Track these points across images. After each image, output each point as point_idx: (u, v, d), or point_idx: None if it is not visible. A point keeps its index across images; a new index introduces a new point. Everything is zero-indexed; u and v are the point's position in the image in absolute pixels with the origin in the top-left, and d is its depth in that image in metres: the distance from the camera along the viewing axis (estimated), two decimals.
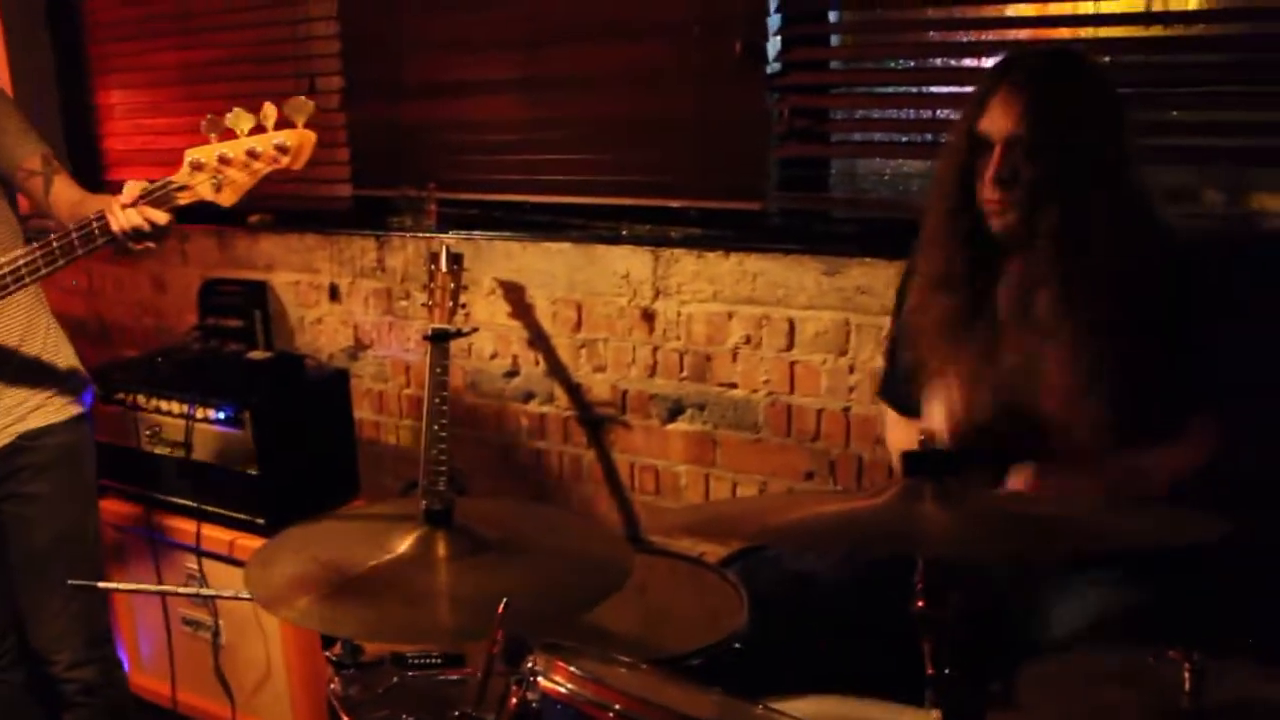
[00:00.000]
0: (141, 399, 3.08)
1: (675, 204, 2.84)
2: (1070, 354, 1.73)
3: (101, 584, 2.48)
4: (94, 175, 4.04)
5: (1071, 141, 1.72)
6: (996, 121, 1.76)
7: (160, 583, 3.07)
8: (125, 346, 3.89)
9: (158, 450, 3.07)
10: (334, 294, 3.36)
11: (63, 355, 2.41)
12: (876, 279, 2.49)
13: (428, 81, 3.20)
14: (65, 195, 2.25)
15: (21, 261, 2.03)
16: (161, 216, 1.93)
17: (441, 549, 1.54)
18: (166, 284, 3.78)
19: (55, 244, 2.00)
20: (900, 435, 2.11)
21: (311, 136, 1.89)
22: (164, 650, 3.07)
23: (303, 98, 1.84)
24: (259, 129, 1.88)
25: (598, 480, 3.02)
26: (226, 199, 1.93)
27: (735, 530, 1.57)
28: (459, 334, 2.76)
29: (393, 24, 3.23)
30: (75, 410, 2.40)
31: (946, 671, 1.19)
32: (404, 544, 1.55)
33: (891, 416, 2.16)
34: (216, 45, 3.66)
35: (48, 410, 2.35)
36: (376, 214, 3.28)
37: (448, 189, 3.19)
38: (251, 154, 1.88)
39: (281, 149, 1.88)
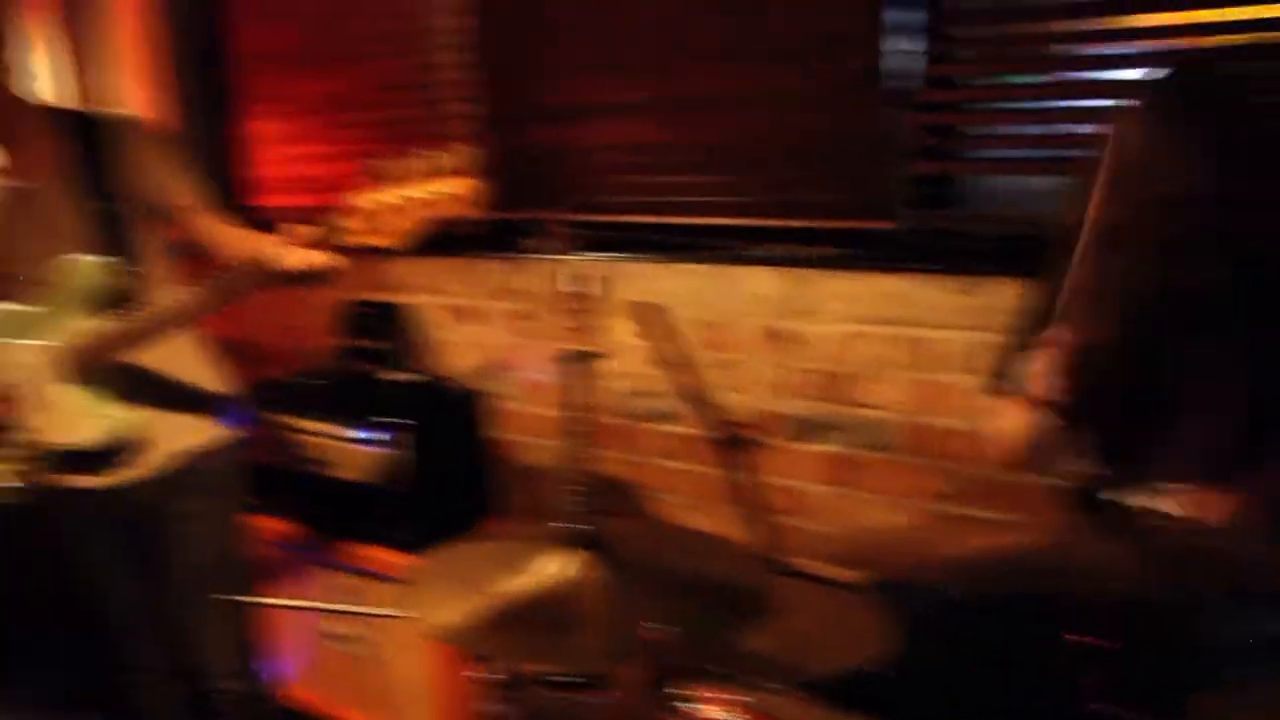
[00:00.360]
0: (291, 419, 3.20)
1: (808, 224, 2.83)
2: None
3: (255, 599, 2.59)
4: (243, 202, 4.20)
5: None
6: None
7: (309, 599, 3.18)
8: (267, 366, 4.03)
9: (306, 469, 3.18)
10: (467, 316, 3.44)
11: (221, 377, 2.52)
12: (1009, 297, 2.45)
13: (561, 105, 3.26)
14: (221, 234, 2.34)
15: (190, 300, 2.11)
16: (329, 260, 1.99)
17: (585, 571, 1.57)
18: (305, 306, 3.91)
19: (222, 282, 2.07)
20: (1010, 417, 1.97)
21: (475, 184, 1.90)
22: (313, 665, 3.18)
23: (465, 146, 1.86)
24: (423, 173, 1.90)
25: (731, 501, 3.01)
26: (392, 243, 1.96)
27: (895, 562, 1.55)
28: (594, 355, 2.79)
29: (528, 49, 3.30)
30: (233, 431, 2.50)
31: (1109, 707, 1.17)
32: (549, 566, 1.58)
33: (1001, 404, 2.04)
34: (358, 74, 3.79)
35: (207, 431, 2.45)
36: (510, 236, 3.34)
37: (581, 211, 3.22)
38: (419, 202, 1.91)
39: (448, 199, 1.90)
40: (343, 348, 3.58)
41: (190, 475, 2.42)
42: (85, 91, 4.14)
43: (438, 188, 1.90)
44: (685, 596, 1.55)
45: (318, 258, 1.98)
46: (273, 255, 2.00)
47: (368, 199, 1.94)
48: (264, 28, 4.06)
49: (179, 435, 2.40)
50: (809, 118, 2.78)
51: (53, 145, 2.26)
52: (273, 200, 4.20)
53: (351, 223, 1.95)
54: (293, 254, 1.98)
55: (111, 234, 2.25)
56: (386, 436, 3.04)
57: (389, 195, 1.92)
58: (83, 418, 2.21)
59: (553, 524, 1.69)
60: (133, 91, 4.11)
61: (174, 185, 2.33)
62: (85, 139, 2.28)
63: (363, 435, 3.07)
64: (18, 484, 2.22)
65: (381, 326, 3.51)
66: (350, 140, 3.87)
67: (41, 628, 3.30)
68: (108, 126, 2.30)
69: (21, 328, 2.20)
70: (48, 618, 3.22)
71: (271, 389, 3.37)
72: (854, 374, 2.74)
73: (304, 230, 1.99)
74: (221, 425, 2.48)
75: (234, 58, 4.17)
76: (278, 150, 4.15)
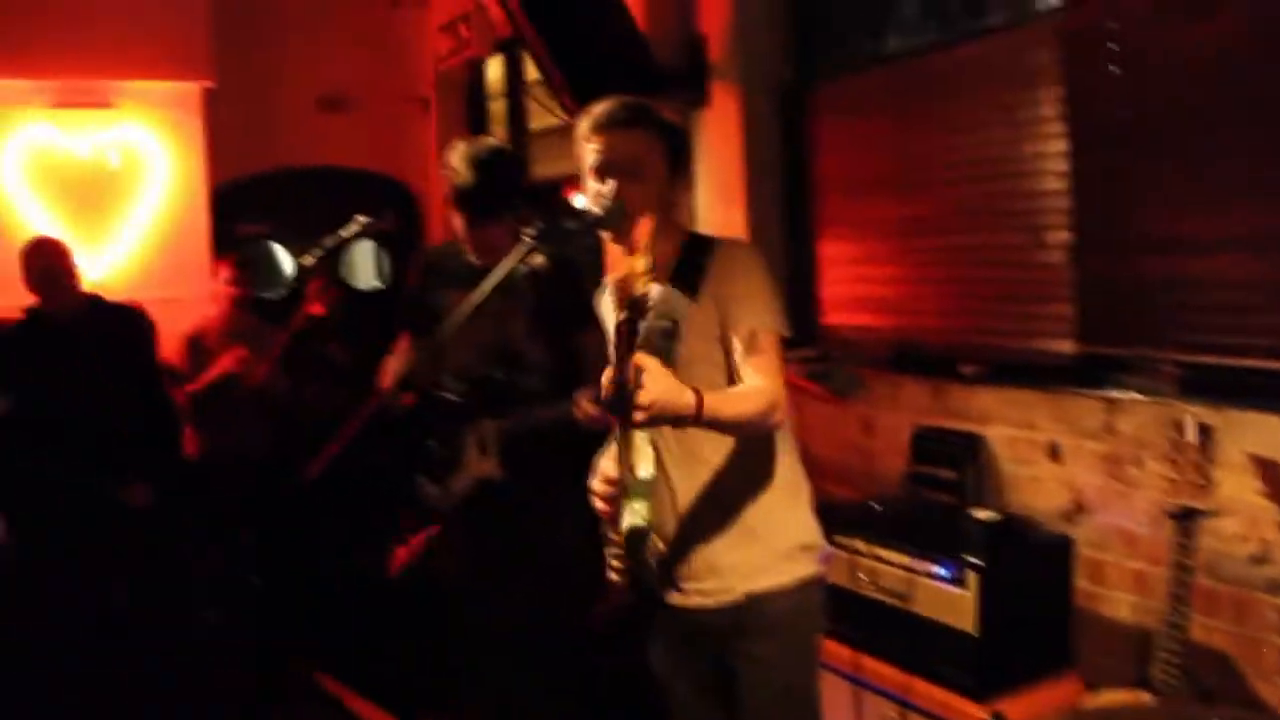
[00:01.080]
0: (861, 544, 3.19)
1: None
2: None
3: None
4: (808, 321, 4.31)
5: None
6: None
7: None
8: (830, 483, 4.08)
9: (873, 596, 3.15)
10: (1054, 453, 3.25)
11: (799, 508, 2.47)
12: None
13: (1165, 236, 3.02)
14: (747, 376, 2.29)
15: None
16: None
17: None
18: (875, 428, 3.91)
19: None
20: None
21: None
22: None
23: None
24: None
25: None
26: None
27: None
28: (1205, 513, 2.53)
29: (1129, 175, 3.10)
30: (806, 571, 2.42)
31: None
32: None
33: None
34: (937, 199, 3.78)
35: (777, 572, 2.38)
36: (1103, 372, 3.13)
37: (1187, 350, 2.96)
38: None
39: None
40: (915, 474, 3.53)
41: (753, 617, 2.38)
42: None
43: None
44: None
45: None
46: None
47: None
48: (845, 155, 4.19)
49: (741, 572, 2.38)
50: None
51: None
52: (834, 319, 4.29)
53: None
54: None
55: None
56: (957, 573, 2.93)
57: None
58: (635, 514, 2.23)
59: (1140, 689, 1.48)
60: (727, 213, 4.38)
61: (738, 311, 2.33)
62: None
63: (932, 570, 2.98)
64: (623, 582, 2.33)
65: (958, 455, 3.41)
66: (924, 264, 3.86)
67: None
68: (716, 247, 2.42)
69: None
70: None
71: (844, 510, 3.38)
72: None
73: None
74: (794, 565, 2.41)
75: (813, 181, 4.33)
76: (846, 270, 4.23)
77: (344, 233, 2.79)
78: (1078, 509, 3.19)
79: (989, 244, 3.57)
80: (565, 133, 4.76)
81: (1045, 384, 3.28)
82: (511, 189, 3.23)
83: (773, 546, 2.39)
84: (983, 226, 3.59)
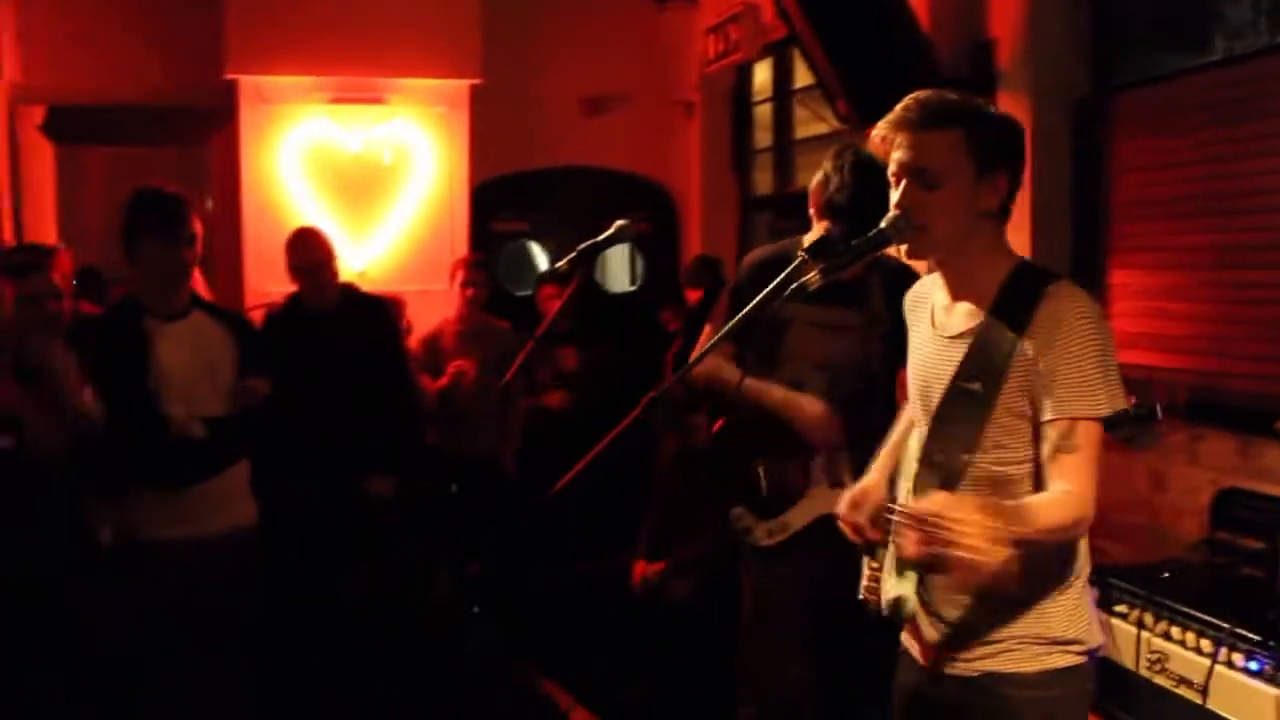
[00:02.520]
0: (1149, 618, 2.77)
1: None
2: None
3: None
4: None
5: None
6: None
7: None
8: (1109, 540, 3.63)
9: (1160, 682, 2.72)
10: None
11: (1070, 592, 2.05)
12: None
13: None
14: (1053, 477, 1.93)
15: None
16: None
17: None
18: (1167, 482, 3.46)
19: None
20: None
21: None
22: None
23: None
24: None
25: None
26: None
27: None
28: None
29: None
30: (1065, 662, 2.01)
31: None
32: None
33: None
34: (1255, 227, 3.31)
35: (1020, 656, 2.01)
36: None
37: None
38: None
39: None
40: (1214, 540, 3.07)
41: (996, 699, 2.03)
42: None
43: None
44: None
45: None
46: None
47: None
48: (1146, 173, 3.76)
49: (982, 647, 2.04)
50: None
51: None
52: (1126, 357, 3.83)
53: None
54: None
55: None
56: (1270, 668, 2.48)
57: None
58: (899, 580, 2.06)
59: None
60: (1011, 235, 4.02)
61: (1061, 399, 1.93)
62: None
63: (1244, 663, 2.53)
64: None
65: (1270, 524, 2.93)
66: (1236, 301, 3.38)
67: None
68: None
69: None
70: None
71: (1126, 574, 2.97)
72: None
73: None
74: (1048, 651, 2.02)
75: (1110, 204, 3.91)
76: (1142, 303, 3.78)
77: (600, 238, 2.59)
78: None
79: None
80: (832, 140, 4.52)
81: None
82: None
83: (1021, 623, 2.02)
84: None
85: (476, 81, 5.86)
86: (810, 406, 2.85)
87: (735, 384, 2.81)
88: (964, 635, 2.05)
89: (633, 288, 6.81)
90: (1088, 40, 3.98)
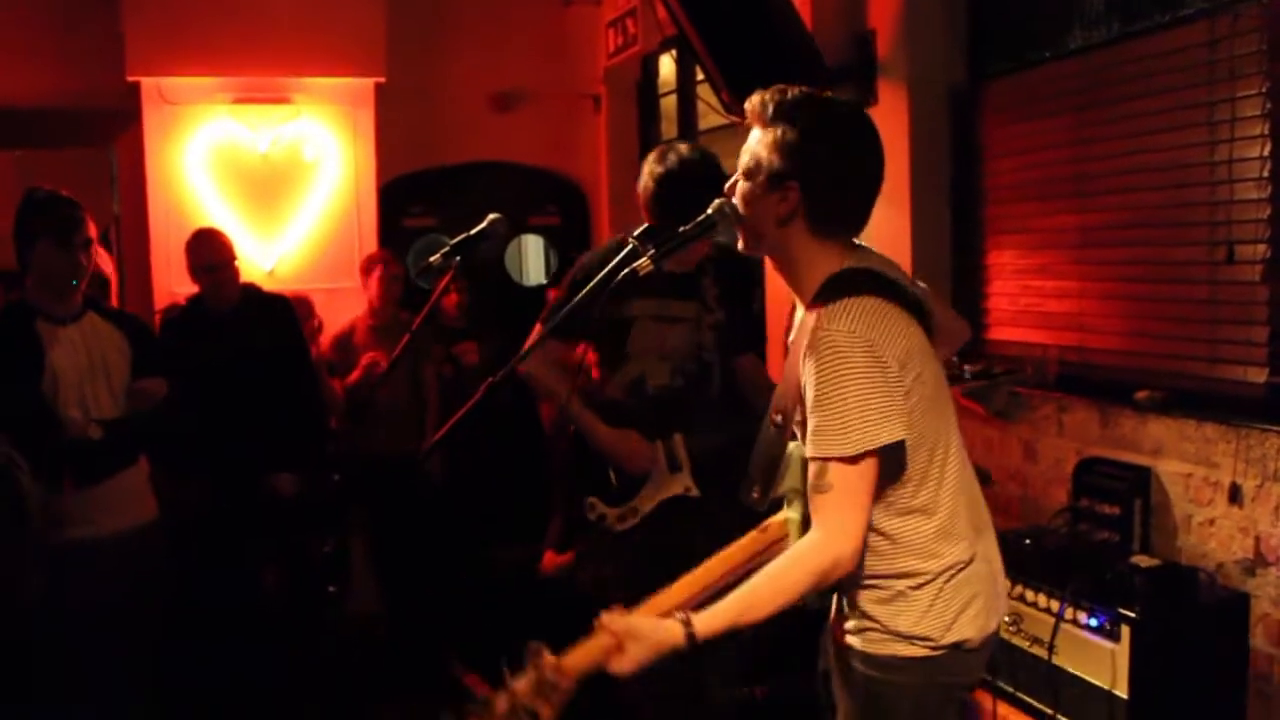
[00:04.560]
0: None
1: None
2: None
3: None
4: (972, 334, 4.02)
5: None
6: None
7: None
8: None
9: (1014, 640, 2.87)
10: (1234, 496, 2.88)
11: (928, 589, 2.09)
12: None
13: None
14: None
15: None
16: None
17: None
18: (1038, 454, 3.60)
19: None
20: None
21: None
22: None
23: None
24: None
25: None
26: None
27: None
28: None
29: None
30: (911, 652, 2.03)
31: None
32: None
33: None
34: (1117, 208, 3.45)
35: (871, 638, 2.08)
36: None
37: None
38: None
39: None
40: (1075, 508, 3.21)
41: (855, 673, 2.13)
42: None
43: None
44: None
45: None
46: None
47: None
48: (1018, 158, 3.88)
49: (863, 634, 2.12)
50: None
51: None
52: (1000, 333, 3.99)
53: None
54: None
55: None
56: (1108, 625, 2.62)
57: None
58: None
59: None
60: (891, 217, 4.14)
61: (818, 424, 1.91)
62: None
63: (1081, 618, 2.67)
64: None
65: (1124, 491, 3.07)
66: (1100, 278, 3.53)
67: None
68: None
69: None
70: None
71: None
72: None
73: None
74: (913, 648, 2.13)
75: (984, 189, 4.04)
76: (1015, 282, 3.92)
77: (473, 231, 2.68)
78: (1259, 561, 2.83)
79: (1173, 258, 3.24)
80: (734, 131, 4.61)
81: (1230, 417, 2.93)
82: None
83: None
84: (1167, 239, 3.27)
85: (381, 80, 5.88)
86: (623, 444, 3.06)
87: (563, 399, 3.01)
88: (847, 608, 2.13)
89: (545, 282, 6.87)
90: (963, 31, 4.09)
